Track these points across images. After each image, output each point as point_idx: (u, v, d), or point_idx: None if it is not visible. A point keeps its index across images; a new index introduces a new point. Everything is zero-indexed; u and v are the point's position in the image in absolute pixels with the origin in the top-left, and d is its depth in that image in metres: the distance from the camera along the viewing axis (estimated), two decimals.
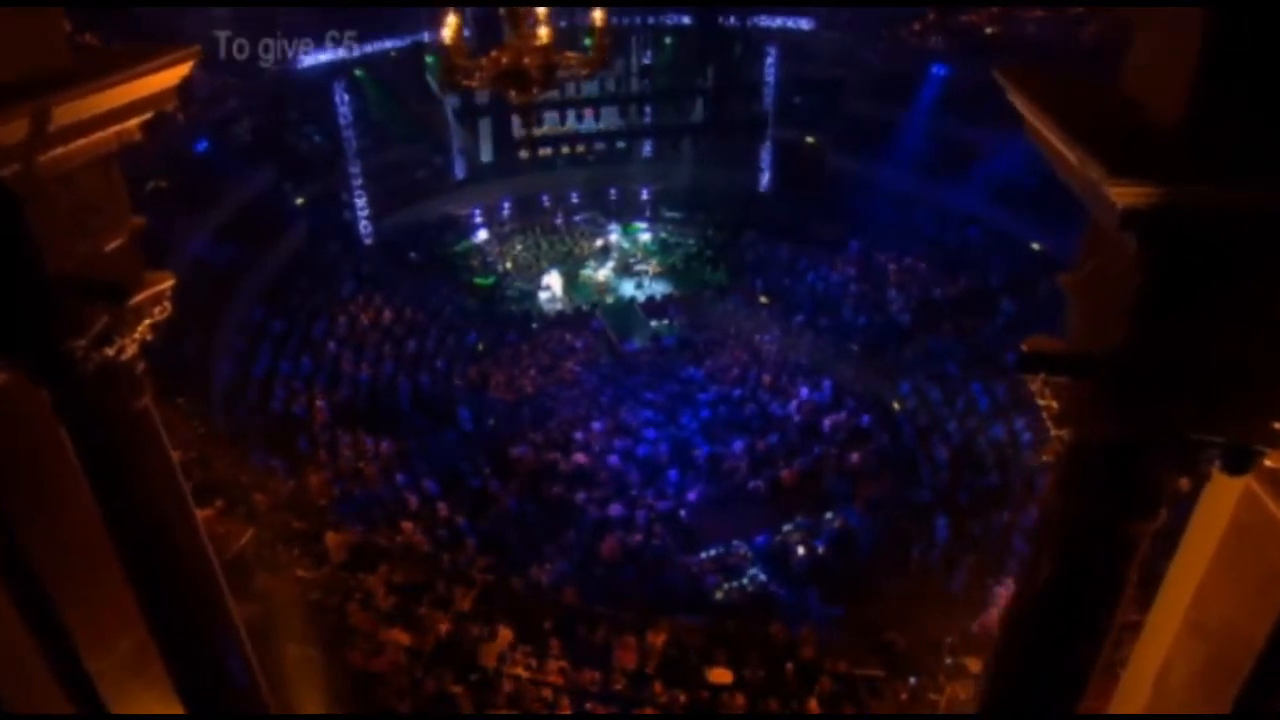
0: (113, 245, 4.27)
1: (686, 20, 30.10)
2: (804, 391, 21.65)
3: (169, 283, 4.53)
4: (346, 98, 26.29)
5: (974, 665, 9.63)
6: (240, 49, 22.33)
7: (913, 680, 9.83)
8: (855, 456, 19.08)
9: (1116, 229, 3.06)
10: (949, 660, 9.84)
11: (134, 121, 4.05)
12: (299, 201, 26.96)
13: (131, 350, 4.39)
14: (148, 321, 4.46)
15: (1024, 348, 3.75)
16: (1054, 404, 3.82)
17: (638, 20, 29.77)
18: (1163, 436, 3.59)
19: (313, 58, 25.02)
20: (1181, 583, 4.69)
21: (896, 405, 21.35)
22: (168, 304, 4.54)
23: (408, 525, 15.27)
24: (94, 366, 4.21)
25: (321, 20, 25.15)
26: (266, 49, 23.16)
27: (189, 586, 4.94)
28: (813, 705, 9.52)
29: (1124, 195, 2.92)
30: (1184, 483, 3.76)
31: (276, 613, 7.84)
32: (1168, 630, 4.78)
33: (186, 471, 10.92)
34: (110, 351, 4.25)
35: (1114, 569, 4.03)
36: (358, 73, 26.98)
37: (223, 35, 22.17)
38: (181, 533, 4.90)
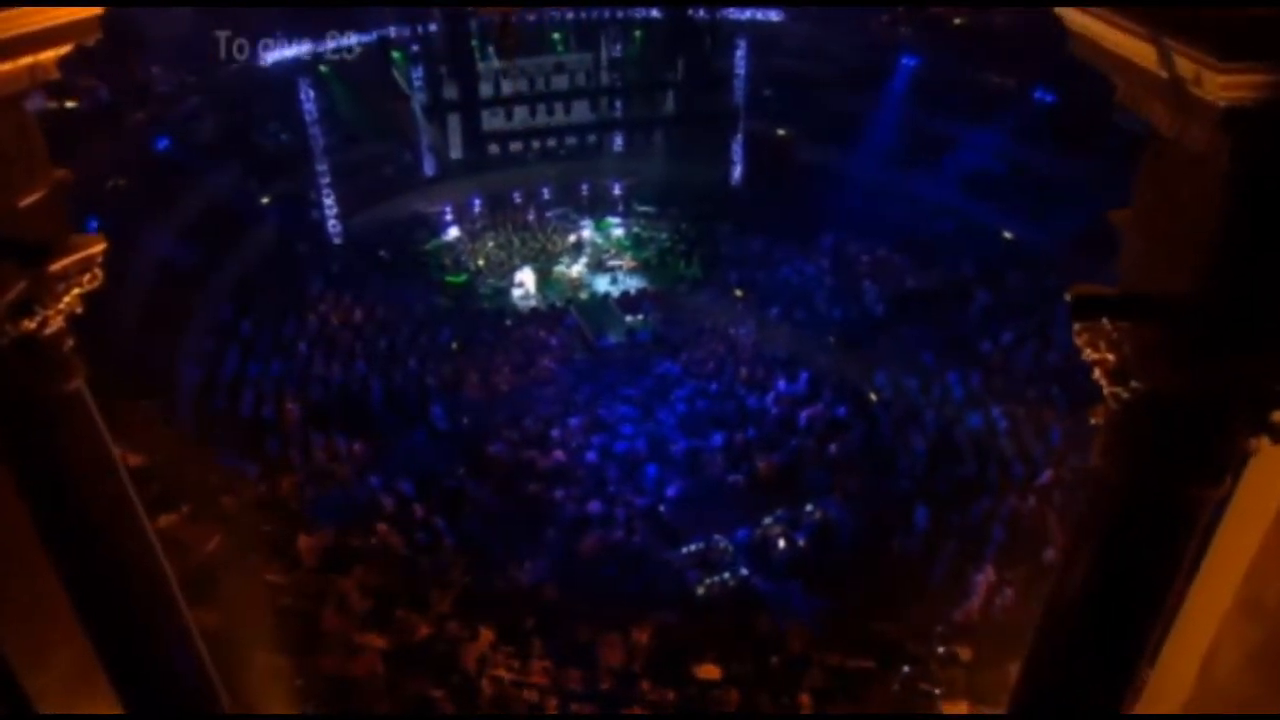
0: (28, 200, 3.78)
1: (655, 14, 29.96)
2: (781, 384, 21.58)
3: (99, 247, 4.07)
4: (312, 94, 25.85)
5: (965, 654, 9.59)
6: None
7: (905, 669, 9.76)
8: (833, 448, 19.06)
9: (1204, 140, 2.70)
10: (941, 649, 9.78)
11: (49, 54, 3.55)
12: (265, 200, 26.48)
13: (57, 324, 3.94)
14: (76, 291, 3.99)
15: (1072, 295, 3.39)
16: (1109, 357, 3.43)
17: (606, 14, 29.55)
18: (1240, 389, 3.18)
19: (277, 54, 24.55)
20: (1230, 557, 4.15)
21: (873, 396, 21.33)
22: (99, 271, 4.09)
23: (382, 527, 14.99)
24: (11, 341, 3.77)
25: (285, 17, 24.70)
26: (240, 48, 22.78)
27: (134, 594, 4.49)
28: (804, 699, 9.41)
29: (1231, 88, 2.57)
30: (1258, 443, 3.33)
31: (245, 619, 7.56)
32: (1213, 610, 4.25)
33: (150, 476, 10.67)
34: (31, 324, 3.81)
35: (1173, 543, 3.62)
36: (323, 69, 26.52)
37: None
38: (124, 535, 4.45)
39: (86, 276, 4.05)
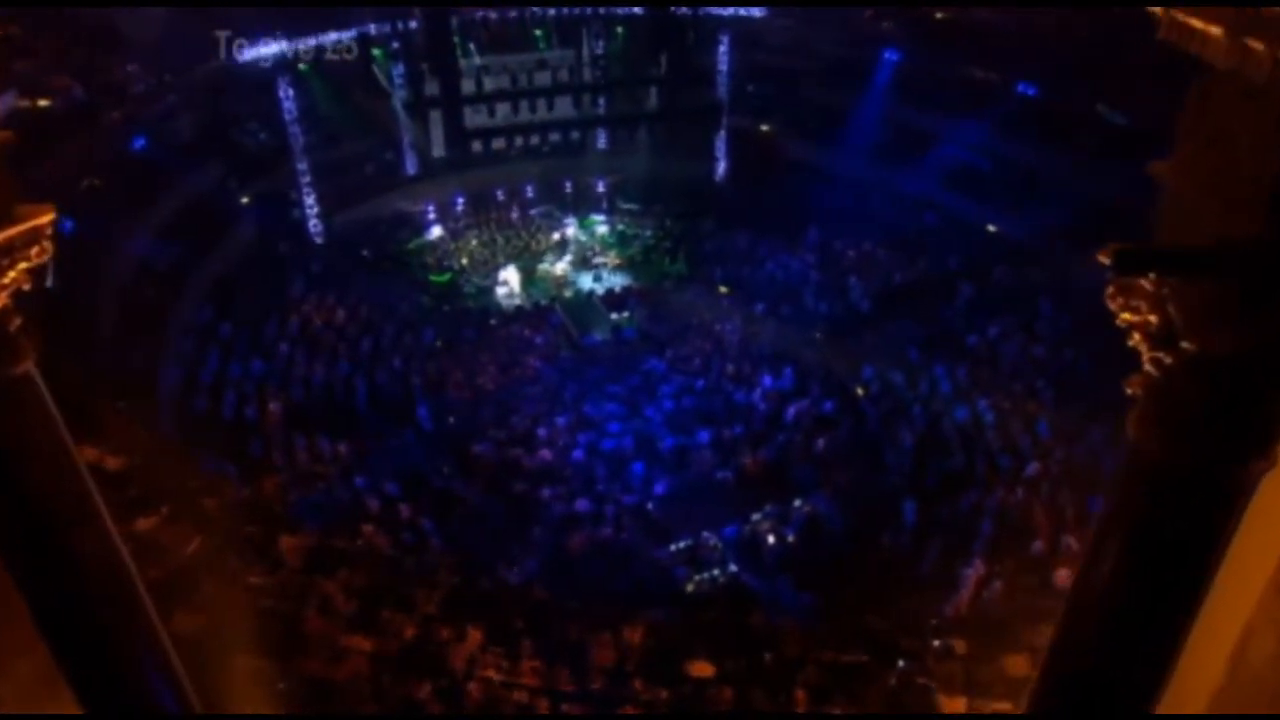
0: None
1: (638, 10, 29.82)
2: (767, 380, 21.53)
3: (48, 217, 3.75)
4: (291, 92, 25.55)
5: (961, 647, 9.54)
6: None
7: (901, 664, 9.67)
8: (821, 443, 19.02)
9: (1268, 69, 2.45)
10: (936, 643, 9.71)
11: None
12: (245, 200, 26.14)
13: (2, 301, 3.64)
14: (22, 265, 3.67)
15: (1112, 250, 3.04)
16: (1151, 318, 3.14)
17: (589, 11, 29.38)
18: None
19: (254, 52, 24.23)
20: (1266, 533, 3.73)
21: (860, 391, 21.33)
22: (48, 244, 3.77)
23: (368, 529, 14.81)
24: None
25: (263, 14, 24.40)
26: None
27: (95, 599, 4.14)
28: (800, 696, 9.32)
29: None
30: None
31: (226, 622, 7.38)
32: (1246, 593, 3.83)
33: (129, 478, 10.48)
34: None
35: (1216, 522, 3.33)
36: (302, 67, 26.22)
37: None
38: (85, 536, 4.08)
39: (34, 250, 3.72)
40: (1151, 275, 3.10)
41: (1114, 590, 3.62)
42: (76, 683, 4.07)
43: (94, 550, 4.10)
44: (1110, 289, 3.27)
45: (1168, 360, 3.18)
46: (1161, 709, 3.94)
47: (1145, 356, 3.27)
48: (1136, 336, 3.28)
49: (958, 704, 8.79)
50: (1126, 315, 3.24)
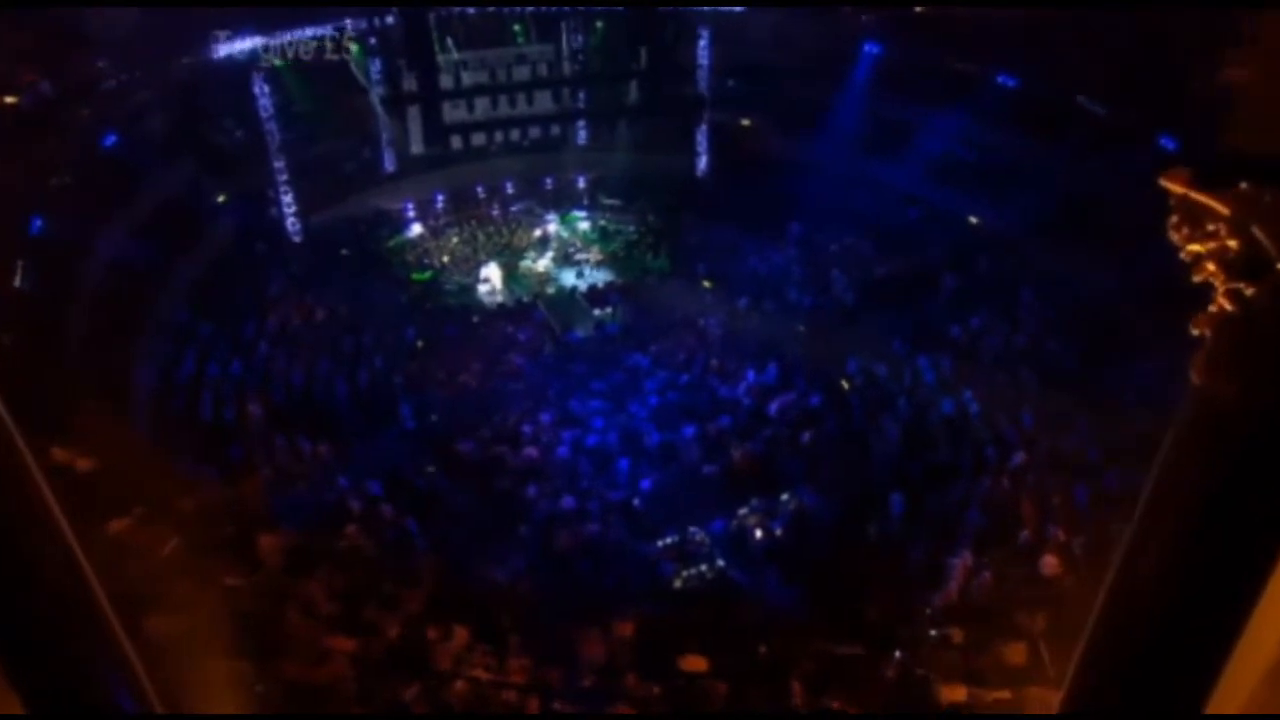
0: None
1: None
2: (751, 374, 21.45)
3: None
4: (267, 89, 25.22)
5: (957, 636, 9.46)
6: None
7: (898, 655, 9.57)
8: (807, 436, 18.95)
9: None
10: (933, 632, 9.62)
11: None
12: (221, 199, 25.78)
13: None
14: None
15: (1183, 173, 2.79)
16: (1231, 243, 2.85)
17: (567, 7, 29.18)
18: None
19: (229, 48, 23.87)
20: None
21: (845, 384, 21.29)
22: None
23: (351, 529, 14.56)
24: None
25: (237, 10, 24.04)
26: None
27: (48, 604, 3.81)
28: (796, 688, 9.19)
29: None
30: None
31: (201, 625, 7.16)
32: None
33: (100, 480, 10.22)
34: None
35: None
36: (277, 63, 25.83)
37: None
38: (31, 535, 3.77)
39: None
40: (1231, 196, 2.77)
41: (1170, 570, 3.18)
42: (24, 695, 3.75)
43: (47, 552, 3.76)
44: (1174, 218, 2.99)
45: (1249, 292, 2.84)
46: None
47: (1219, 290, 2.93)
48: (1209, 268, 2.94)
49: (958, 693, 8.71)
50: (1195, 246, 2.93)
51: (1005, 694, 8.33)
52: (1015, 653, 8.95)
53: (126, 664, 4.08)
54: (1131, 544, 3.40)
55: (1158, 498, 3.22)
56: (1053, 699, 8.35)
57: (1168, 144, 22.04)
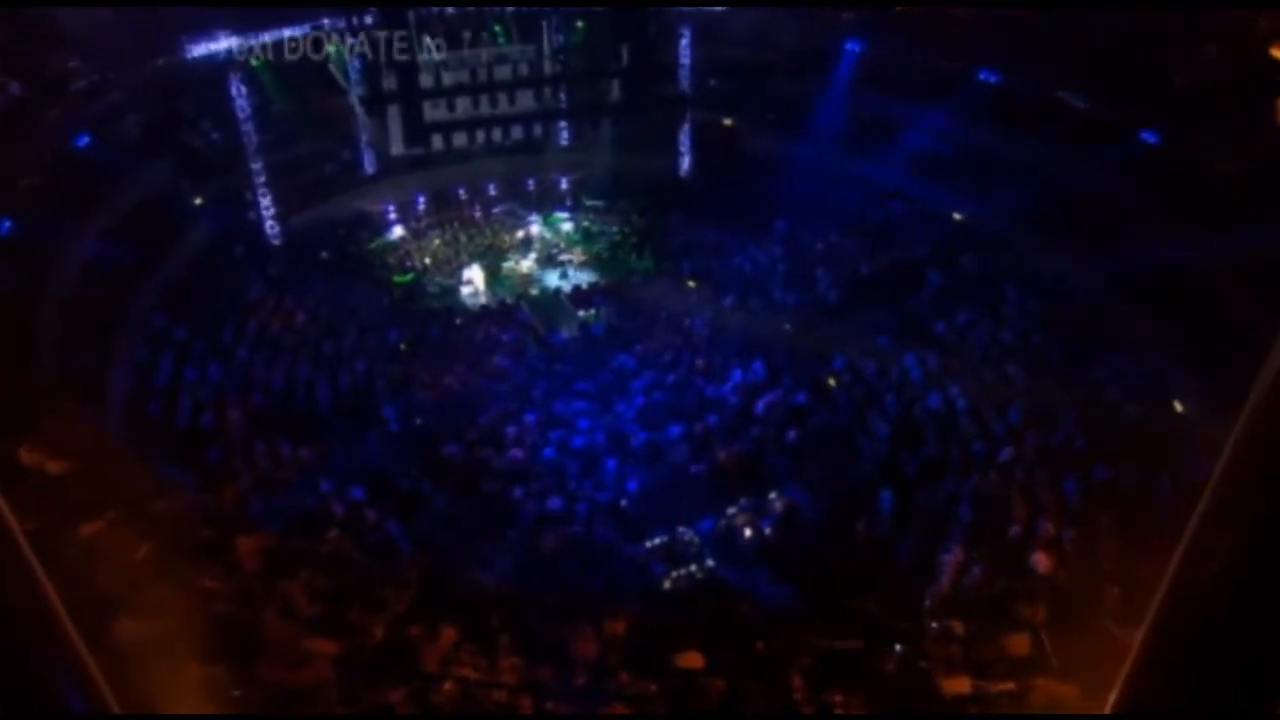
0: None
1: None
2: (737, 373, 21.32)
3: None
4: (245, 90, 24.84)
5: (959, 628, 9.33)
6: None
7: (898, 648, 9.40)
8: (794, 435, 18.84)
9: None
10: (934, 625, 9.47)
11: None
12: (198, 201, 25.38)
13: None
14: None
15: None
16: None
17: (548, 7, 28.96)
18: None
19: (205, 48, 23.49)
20: None
21: (832, 381, 21.19)
22: None
23: (333, 534, 14.28)
24: None
25: (213, 9, 23.69)
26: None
27: None
28: (796, 683, 9.00)
29: None
30: None
31: (174, 629, 6.90)
32: None
33: (72, 483, 9.92)
34: None
35: None
36: (255, 63, 25.47)
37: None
38: None
39: None
40: None
41: (1247, 553, 2.84)
42: None
43: None
44: None
45: None
46: None
47: None
48: None
49: (961, 684, 8.58)
50: None
51: (1010, 685, 8.22)
52: (1020, 643, 8.84)
53: (79, 664, 3.80)
54: (1193, 542, 3.12)
55: (1223, 493, 2.95)
56: (1059, 691, 8.29)
57: (1149, 138, 22.18)
